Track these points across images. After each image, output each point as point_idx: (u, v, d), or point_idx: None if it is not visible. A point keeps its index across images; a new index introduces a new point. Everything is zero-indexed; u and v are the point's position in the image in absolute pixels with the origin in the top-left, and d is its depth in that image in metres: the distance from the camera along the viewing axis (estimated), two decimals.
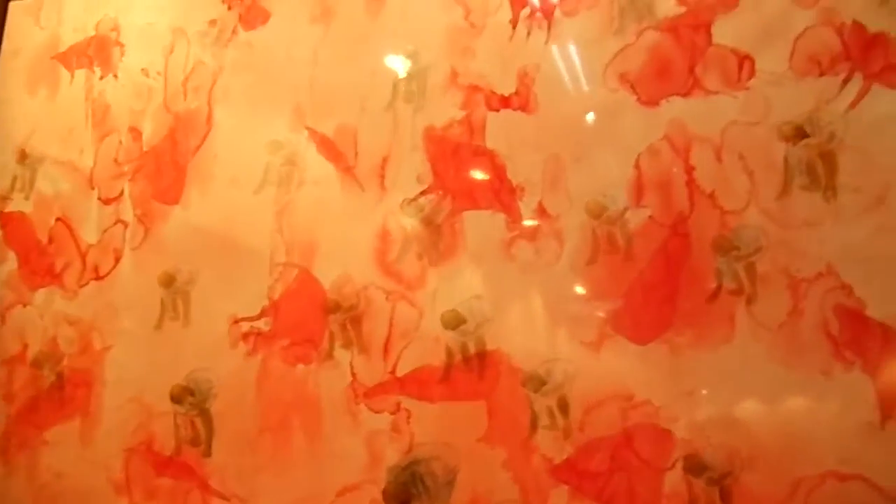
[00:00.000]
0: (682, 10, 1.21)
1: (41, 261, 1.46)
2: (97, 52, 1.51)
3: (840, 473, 1.03)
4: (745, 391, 1.09)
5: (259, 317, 1.31)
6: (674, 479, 1.08)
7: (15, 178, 1.52)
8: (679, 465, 1.08)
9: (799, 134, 1.14)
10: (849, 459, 1.03)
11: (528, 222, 1.22)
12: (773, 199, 1.13)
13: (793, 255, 1.11)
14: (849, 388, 1.05)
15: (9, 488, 1.38)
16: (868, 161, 1.11)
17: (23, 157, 1.52)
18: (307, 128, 1.35)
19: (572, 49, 1.26)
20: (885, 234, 1.08)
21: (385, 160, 1.30)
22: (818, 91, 1.14)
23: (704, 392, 1.10)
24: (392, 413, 1.21)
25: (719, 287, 1.12)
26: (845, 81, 1.14)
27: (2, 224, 1.51)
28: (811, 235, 1.11)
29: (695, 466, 1.08)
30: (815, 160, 1.13)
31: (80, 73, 1.52)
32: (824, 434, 1.05)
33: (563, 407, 1.14)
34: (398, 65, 1.32)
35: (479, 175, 1.25)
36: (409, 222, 1.27)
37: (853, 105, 1.13)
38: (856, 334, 1.07)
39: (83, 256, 1.43)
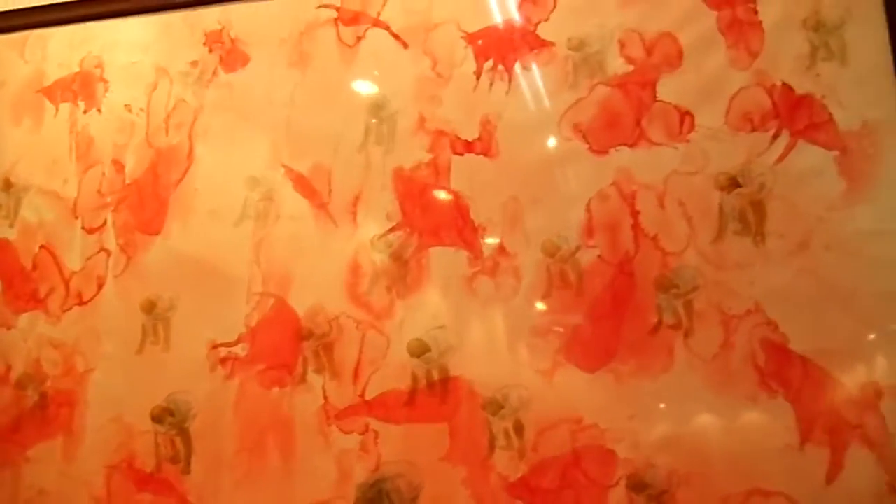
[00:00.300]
0: (631, 68, 1.30)
1: (25, 286, 1.48)
2: (81, 87, 1.54)
3: (764, 490, 1.13)
4: (681, 416, 1.17)
5: (236, 342, 1.35)
6: (618, 495, 1.17)
7: (0, 207, 1.54)
8: (622, 483, 1.17)
9: (733, 184, 1.23)
10: (772, 478, 1.13)
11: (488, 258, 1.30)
12: (709, 242, 1.22)
13: (725, 294, 1.20)
14: (772, 414, 1.15)
15: None
16: (793, 210, 1.21)
17: (7, 185, 1.54)
18: (284, 165, 1.40)
19: (530, 100, 1.34)
20: (807, 276, 1.18)
21: (357, 198, 1.36)
22: (750, 145, 1.24)
23: (645, 416, 1.18)
24: (361, 434, 1.27)
25: (660, 322, 1.21)
26: (774, 137, 1.24)
27: None
28: (742, 276, 1.20)
29: (636, 484, 1.17)
30: (746, 208, 1.22)
31: (65, 107, 1.55)
32: (751, 455, 1.14)
33: (519, 429, 1.22)
34: (370, 110, 1.39)
35: (444, 214, 1.33)
36: (379, 257, 1.33)
37: (780, 159, 1.23)
38: (779, 366, 1.17)
39: (67, 283, 1.46)
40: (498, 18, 1.38)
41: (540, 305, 1.26)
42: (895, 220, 1.18)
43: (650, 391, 1.19)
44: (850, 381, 1.14)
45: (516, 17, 1.37)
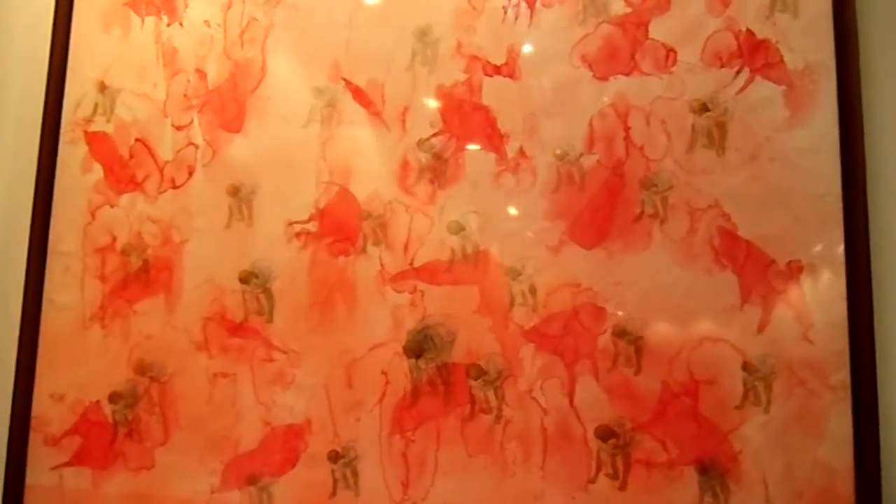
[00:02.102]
0: (629, 10, 1.52)
1: (124, 172, 1.68)
2: (163, 2, 1.71)
3: (712, 338, 1.39)
4: (655, 284, 1.43)
5: (308, 221, 1.56)
6: (605, 340, 1.43)
7: (96, 105, 1.71)
8: (609, 331, 1.42)
9: (703, 108, 1.45)
10: (719, 329, 1.38)
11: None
12: (683, 153, 1.45)
13: (693, 193, 1.43)
14: (722, 283, 1.40)
15: (107, 345, 1.64)
16: (747, 130, 1.44)
17: (102, 87, 1.71)
18: (344, 79, 1.61)
19: (548, 33, 1.57)
20: (755, 181, 1.42)
21: (406, 108, 1.57)
22: (718, 78, 1.46)
23: (629, 283, 1.45)
24: (410, 293, 1.50)
25: (642, 212, 1.45)
26: (737, 73, 1.45)
27: (87, 141, 1.71)
28: (706, 179, 1.43)
29: (619, 332, 1.43)
30: (712, 127, 1.44)
31: (150, 20, 1.72)
32: (704, 312, 1.41)
33: (532, 291, 1.46)
34: (416, 35, 1.60)
35: (476, 123, 1.56)
36: (424, 156, 1.55)
37: (741, 90, 1.45)
38: (730, 247, 1.41)
39: (161, 170, 1.66)
40: None
41: (551, 198, 1.51)
42: (825, 141, 1.40)
43: (633, 264, 1.44)
44: (781, 259, 1.41)
45: None
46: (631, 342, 1.43)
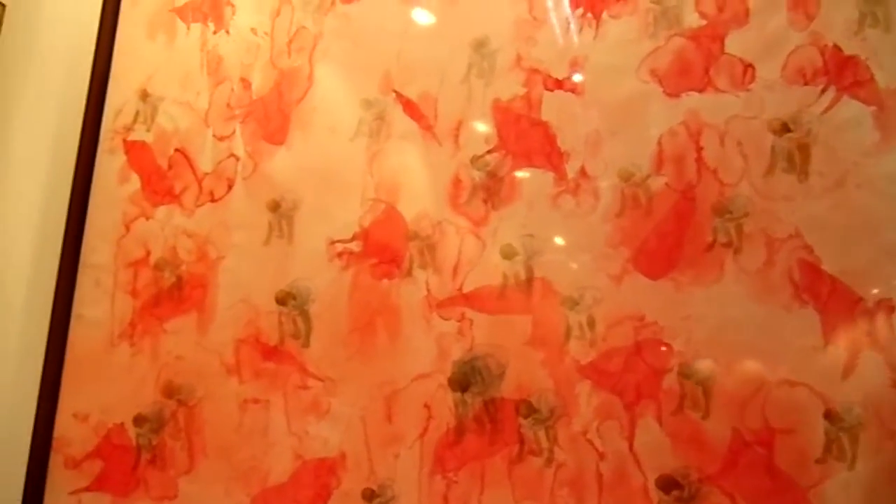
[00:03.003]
0: (704, 23, 1.47)
1: (161, 183, 1.64)
2: (211, 9, 1.69)
3: (791, 381, 1.31)
4: (727, 319, 1.36)
5: (351, 240, 1.52)
6: (670, 379, 1.36)
7: (137, 113, 1.68)
8: (675, 370, 1.36)
9: (784, 129, 1.40)
10: (798, 372, 1.31)
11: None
12: (761, 176, 1.39)
13: (771, 220, 1.37)
14: (802, 321, 1.33)
15: (135, 365, 1.59)
16: (832, 154, 1.38)
17: (144, 95, 1.69)
18: (395, 91, 1.56)
19: (614, 46, 1.50)
20: (840, 209, 1.36)
21: (460, 123, 1.52)
22: (801, 97, 1.40)
23: (697, 318, 1.37)
24: (458, 321, 1.44)
25: (714, 241, 1.38)
26: (822, 91, 1.40)
27: (125, 150, 1.68)
28: (786, 207, 1.37)
29: (686, 372, 1.36)
30: (794, 150, 1.39)
31: (196, 27, 1.70)
32: (782, 353, 1.33)
33: (591, 323, 1.40)
34: (473, 46, 1.55)
35: (534, 141, 1.50)
36: (477, 174, 1.50)
37: (826, 110, 1.39)
38: (811, 282, 1.34)
39: (200, 182, 1.62)
40: None
41: (614, 222, 1.44)
42: None
43: (703, 297, 1.37)
44: (869, 297, 1.32)
45: None
46: (699, 383, 1.35)
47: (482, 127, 1.53)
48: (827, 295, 1.33)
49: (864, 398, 1.28)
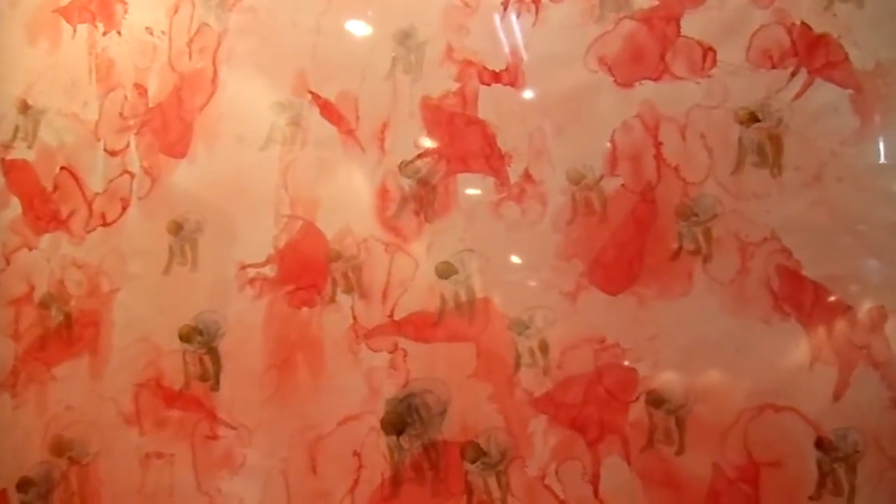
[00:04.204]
0: (656, 3, 1.37)
1: (46, 207, 1.50)
2: (99, 8, 1.55)
3: (776, 406, 1.21)
4: (699, 337, 1.25)
5: (265, 264, 1.40)
6: (637, 410, 1.24)
7: (17, 128, 1.55)
8: (642, 399, 1.24)
9: (752, 118, 1.30)
10: (783, 395, 1.21)
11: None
12: (729, 173, 1.29)
13: (743, 222, 1.27)
14: (785, 336, 1.23)
15: (18, 419, 1.43)
16: (808, 144, 1.28)
17: (24, 107, 1.55)
18: (310, 92, 1.44)
19: (557, 32, 1.38)
20: (820, 206, 1.26)
21: (385, 125, 1.40)
22: (769, 82, 1.31)
23: (665, 337, 1.26)
24: (390, 352, 1.33)
25: (680, 248, 1.29)
26: (793, 74, 1.30)
27: (4, 171, 1.54)
28: (759, 206, 1.28)
29: (655, 400, 1.24)
30: (764, 141, 1.29)
31: (83, 28, 1.55)
32: (764, 374, 1.22)
33: (544, 348, 1.29)
34: (397, 39, 1.42)
35: (471, 142, 1.37)
36: (407, 182, 1.38)
37: (798, 95, 1.30)
38: (792, 290, 1.25)
39: (90, 204, 1.48)
40: None
41: (565, 231, 1.32)
42: None
43: (670, 313, 1.27)
44: (858, 305, 1.22)
45: None
46: (671, 412, 1.25)
47: (411, 128, 1.41)
48: (811, 304, 1.25)
49: (860, 422, 1.20)
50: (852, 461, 1.18)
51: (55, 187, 1.51)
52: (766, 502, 1.19)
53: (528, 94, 1.38)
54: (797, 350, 1.22)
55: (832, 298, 1.23)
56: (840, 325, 1.22)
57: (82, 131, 1.53)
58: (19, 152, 1.55)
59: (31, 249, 1.51)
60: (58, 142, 1.53)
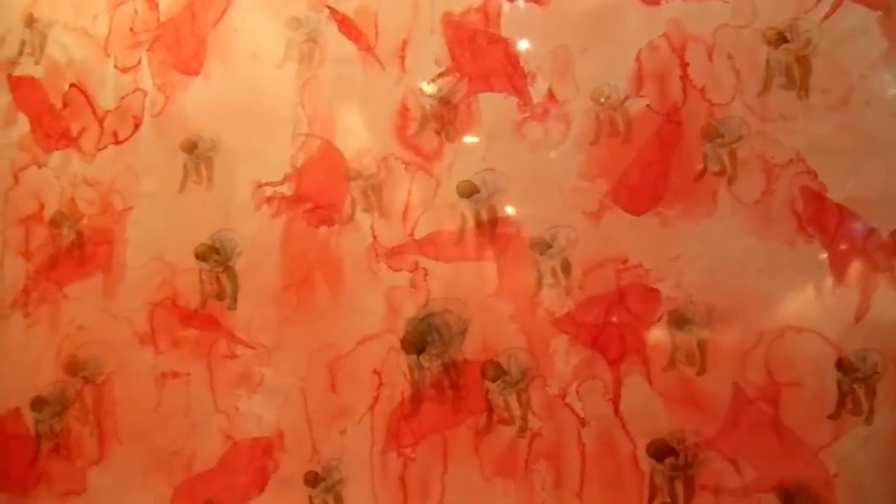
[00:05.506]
0: None
1: (55, 125, 1.48)
2: None
3: (797, 328, 1.22)
4: (722, 258, 1.26)
5: (282, 182, 1.39)
6: (659, 331, 1.25)
7: (23, 43, 1.52)
8: (664, 319, 1.25)
9: (780, 39, 1.29)
10: (805, 317, 1.22)
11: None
12: (755, 94, 1.29)
13: (769, 144, 1.27)
14: (808, 258, 1.24)
15: (31, 339, 1.44)
16: (836, 66, 1.27)
17: (30, 20, 1.52)
18: (328, 6, 1.41)
19: None
20: (846, 130, 1.26)
21: (405, 42, 1.38)
22: (798, 2, 1.29)
23: (689, 258, 1.26)
24: (410, 271, 1.33)
25: (705, 169, 1.28)
26: None
27: (11, 87, 1.51)
28: (785, 128, 1.27)
29: (678, 320, 1.25)
30: (792, 63, 1.28)
31: None
32: (786, 295, 1.23)
33: (566, 268, 1.29)
34: None
35: (493, 60, 1.36)
36: (428, 101, 1.36)
37: (827, 16, 1.28)
38: (817, 212, 1.25)
39: (101, 121, 1.47)
40: None
41: (588, 151, 1.31)
42: None
43: (693, 234, 1.27)
44: (882, 227, 1.22)
45: None
46: (692, 333, 1.25)
47: (432, 45, 1.39)
48: (834, 227, 1.25)
49: (880, 343, 1.21)
50: (872, 382, 1.19)
51: (64, 104, 1.49)
52: (786, 421, 1.20)
53: (552, 11, 1.35)
54: (820, 272, 1.23)
55: (856, 221, 1.23)
56: (863, 247, 1.23)
57: (92, 47, 1.50)
58: (27, 68, 1.53)
59: (40, 167, 1.49)
60: (66, 58, 1.50)
